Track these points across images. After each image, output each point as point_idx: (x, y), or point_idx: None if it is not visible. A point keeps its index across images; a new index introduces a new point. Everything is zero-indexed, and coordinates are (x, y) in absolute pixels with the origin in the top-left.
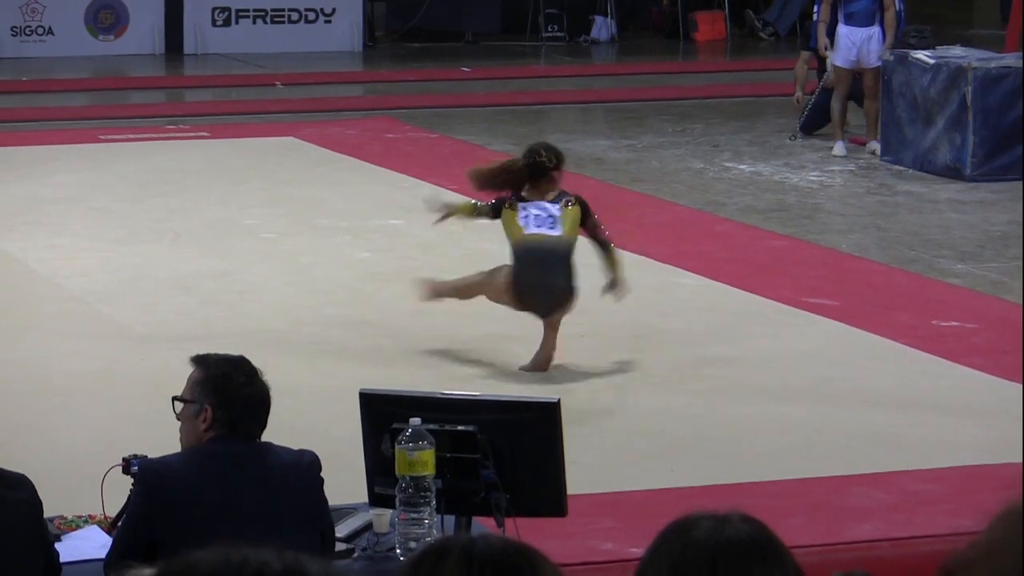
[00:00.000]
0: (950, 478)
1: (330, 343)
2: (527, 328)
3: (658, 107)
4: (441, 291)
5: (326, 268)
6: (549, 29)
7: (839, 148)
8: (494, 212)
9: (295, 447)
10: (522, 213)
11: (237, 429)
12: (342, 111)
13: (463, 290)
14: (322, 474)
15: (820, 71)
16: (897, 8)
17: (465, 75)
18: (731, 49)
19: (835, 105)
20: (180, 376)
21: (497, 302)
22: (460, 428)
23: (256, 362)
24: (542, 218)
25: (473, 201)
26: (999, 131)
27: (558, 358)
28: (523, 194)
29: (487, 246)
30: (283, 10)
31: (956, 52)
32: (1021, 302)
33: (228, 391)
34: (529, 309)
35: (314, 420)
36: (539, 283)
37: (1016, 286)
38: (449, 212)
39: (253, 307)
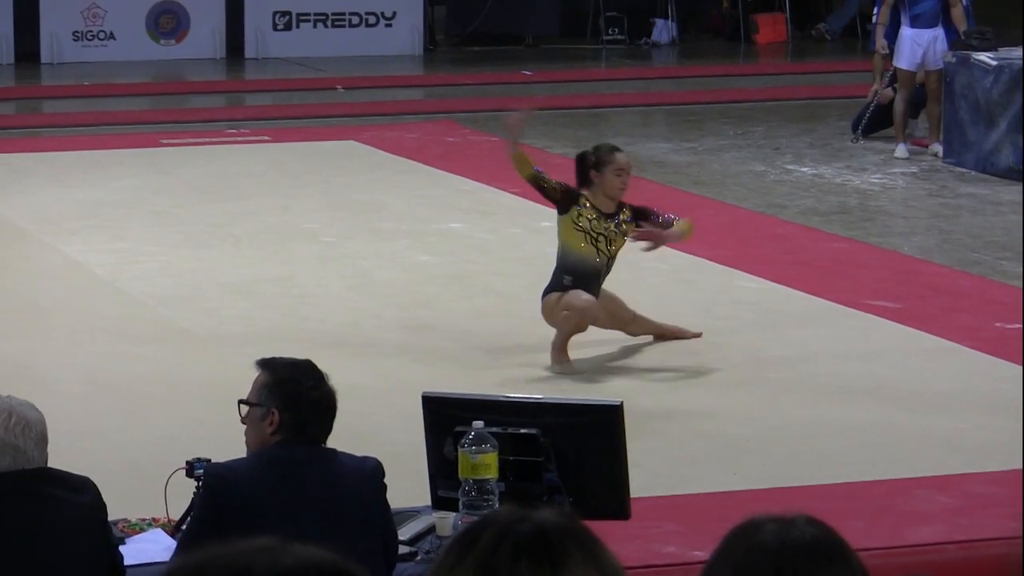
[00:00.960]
0: (1013, 481)
1: (391, 346)
2: (590, 333)
3: (719, 110)
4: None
5: (386, 272)
6: (609, 32)
7: (901, 150)
8: (565, 201)
9: (358, 451)
10: (584, 222)
11: (304, 433)
12: (402, 115)
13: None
14: (385, 479)
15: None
16: (964, 3)
17: (525, 78)
18: (792, 51)
19: (898, 107)
20: (242, 379)
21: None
22: (523, 431)
23: (321, 366)
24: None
25: (537, 169)
26: None
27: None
28: (587, 196)
29: (548, 250)
30: (343, 14)
31: (1018, 54)
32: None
33: (296, 395)
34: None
35: (377, 424)
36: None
37: None
38: (517, 150)
39: (313, 311)
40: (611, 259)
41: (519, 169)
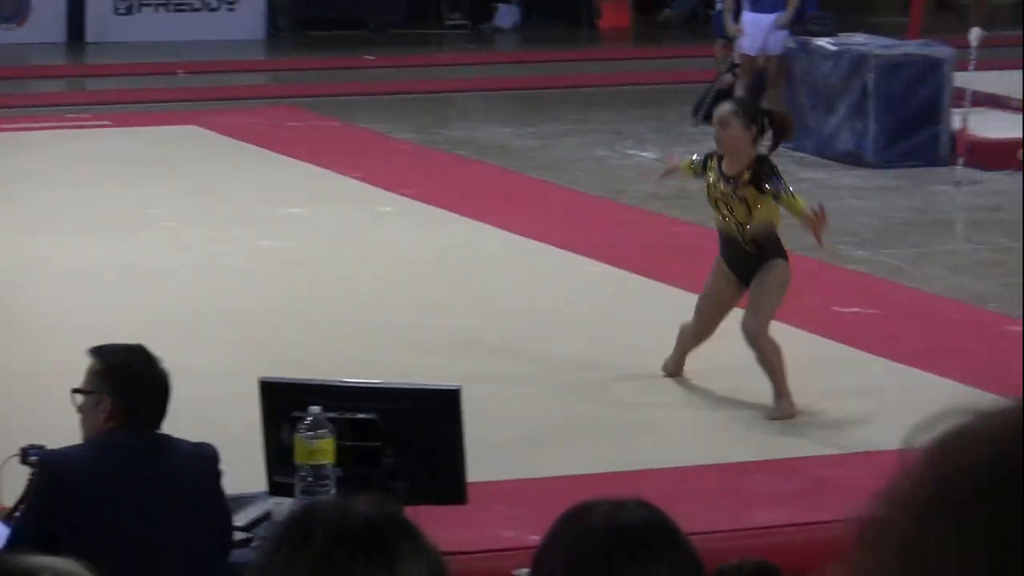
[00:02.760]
0: (853, 463)
1: (231, 331)
2: (422, 313)
3: (562, 95)
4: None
5: (228, 257)
6: (452, 17)
7: None
8: (701, 170)
9: (195, 437)
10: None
11: (138, 418)
12: (245, 99)
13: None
14: (222, 464)
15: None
16: None
17: (368, 63)
18: (635, 37)
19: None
20: (79, 367)
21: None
22: (360, 416)
23: (157, 351)
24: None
25: (691, 158)
26: (900, 118)
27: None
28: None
29: (390, 234)
30: None
31: (858, 39)
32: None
33: (127, 380)
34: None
35: (215, 409)
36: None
37: (916, 272)
38: (671, 169)
39: (153, 296)
40: (742, 226)
41: (686, 173)
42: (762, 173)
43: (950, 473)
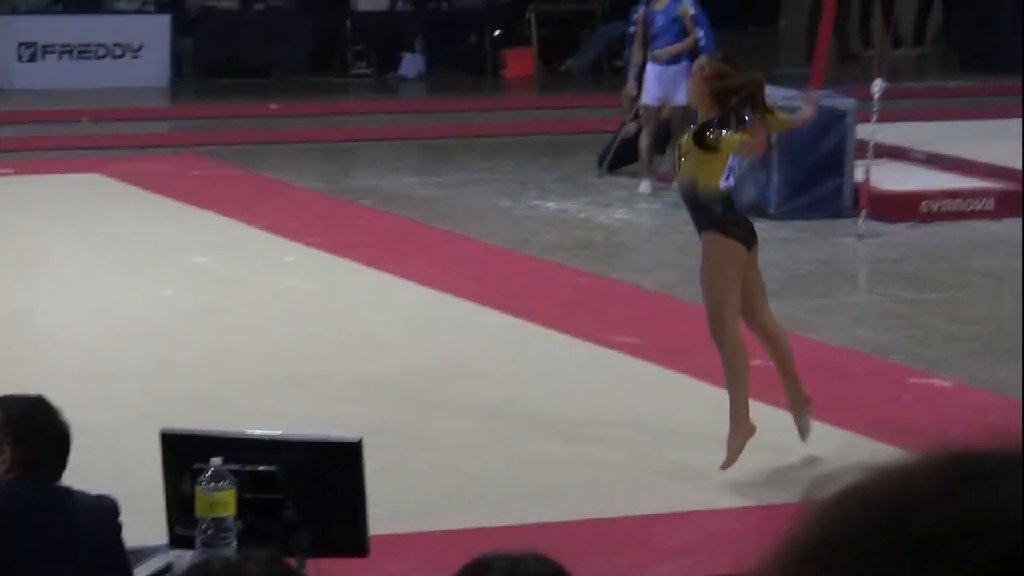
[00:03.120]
0: (755, 516)
1: (132, 381)
2: (325, 363)
3: (466, 144)
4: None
5: (130, 306)
6: (358, 65)
7: (645, 186)
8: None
9: (95, 488)
10: (731, 161)
11: (38, 469)
12: (149, 147)
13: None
14: (122, 517)
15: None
16: (701, 36)
17: (273, 111)
18: (539, 86)
19: (643, 143)
20: None
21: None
22: (261, 468)
23: (56, 402)
24: (734, 173)
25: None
26: (803, 169)
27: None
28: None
29: (293, 283)
30: (90, 45)
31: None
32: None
33: (28, 431)
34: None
35: (116, 460)
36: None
37: (819, 324)
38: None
39: (54, 345)
40: (685, 184)
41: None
42: (707, 127)
43: (834, 535)
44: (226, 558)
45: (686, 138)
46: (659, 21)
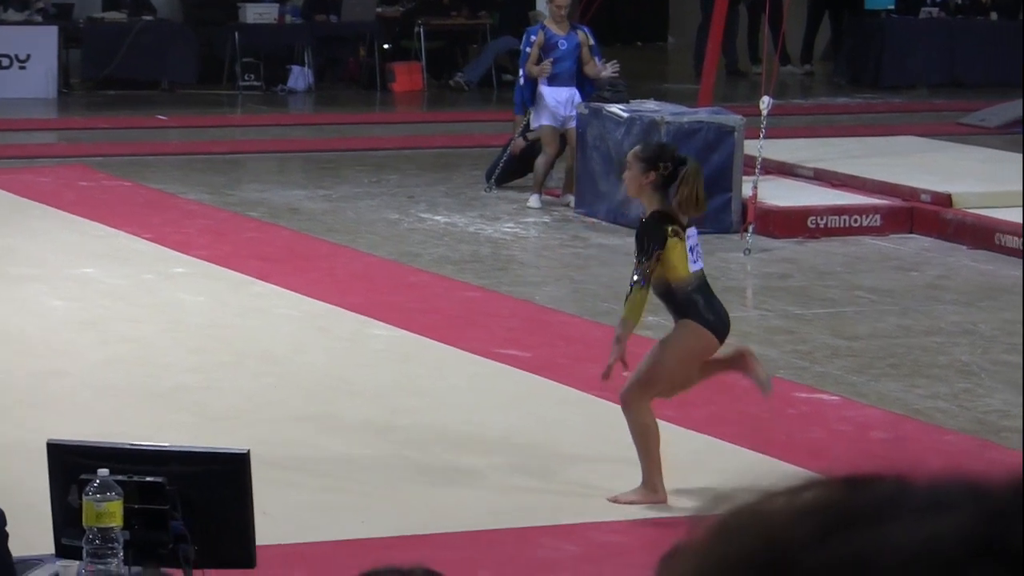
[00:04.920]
0: (641, 530)
1: (19, 393)
2: (212, 376)
3: (354, 157)
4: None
5: (17, 318)
6: (246, 78)
7: (534, 200)
8: (661, 246)
9: None
10: (689, 243)
11: None
12: (35, 158)
13: (659, 386)
14: (8, 527)
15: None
16: (596, 59)
17: (160, 123)
18: (428, 100)
19: (541, 161)
20: None
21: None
22: (148, 479)
23: None
24: (698, 251)
25: (638, 282)
26: None
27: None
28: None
29: (181, 296)
30: None
31: (650, 106)
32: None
33: None
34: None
35: (3, 469)
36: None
37: None
38: (624, 339)
39: None
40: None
41: (638, 313)
42: (643, 231)
43: (716, 561)
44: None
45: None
46: (563, 46)
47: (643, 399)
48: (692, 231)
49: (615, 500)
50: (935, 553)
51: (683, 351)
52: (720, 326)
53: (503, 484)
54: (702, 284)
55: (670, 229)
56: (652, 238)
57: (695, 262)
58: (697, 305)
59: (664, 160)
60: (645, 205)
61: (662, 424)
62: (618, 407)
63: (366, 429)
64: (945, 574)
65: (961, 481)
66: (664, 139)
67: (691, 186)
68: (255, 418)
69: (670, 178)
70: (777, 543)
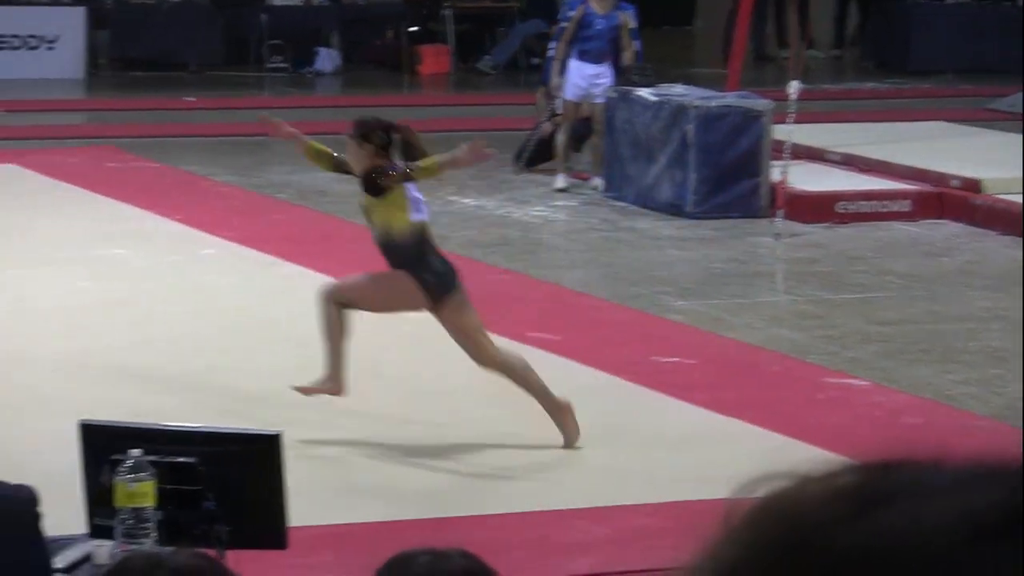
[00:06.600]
0: (670, 512)
1: (50, 372)
2: (243, 357)
3: None
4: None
5: (46, 298)
6: (273, 60)
7: (560, 180)
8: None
9: (13, 478)
10: (411, 193)
11: None
12: (64, 139)
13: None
14: (41, 507)
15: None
16: (636, 49)
17: (188, 105)
18: (455, 83)
19: (560, 138)
20: None
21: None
22: (181, 460)
23: None
24: (421, 203)
25: (334, 153)
26: (719, 169)
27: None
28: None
29: (210, 277)
30: (4, 36)
31: (678, 90)
32: None
33: None
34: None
35: (34, 450)
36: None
37: (735, 322)
38: (301, 143)
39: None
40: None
41: (318, 161)
42: (375, 175)
43: (750, 547)
44: (146, 551)
45: (361, 195)
46: (598, 25)
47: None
48: (412, 185)
49: (301, 390)
50: (971, 524)
51: (395, 291)
52: (438, 278)
53: (533, 466)
54: (422, 235)
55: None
56: (378, 171)
57: (418, 212)
58: (414, 256)
59: (376, 130)
60: (364, 169)
61: (694, 409)
62: (652, 391)
63: (395, 411)
64: (982, 542)
65: (994, 460)
66: (691, 123)
67: (414, 143)
68: (285, 399)
69: (387, 145)
70: (812, 525)
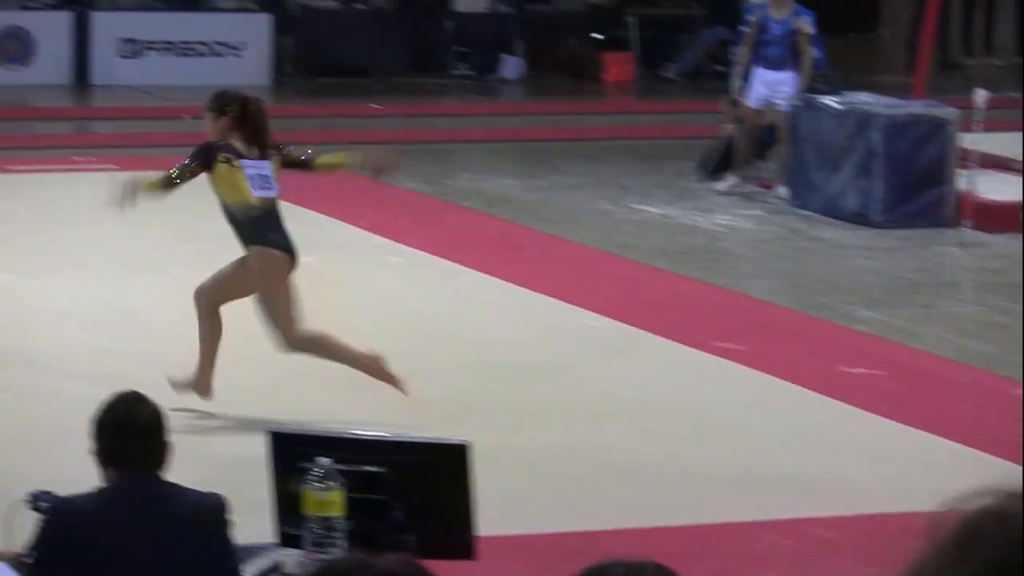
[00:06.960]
0: (857, 525)
1: (238, 379)
2: (429, 365)
3: (566, 147)
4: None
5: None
6: (458, 67)
7: (731, 180)
8: (203, 165)
9: (203, 484)
10: (249, 171)
11: (124, 461)
12: None
13: (220, 294)
14: (232, 515)
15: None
16: (816, 56)
17: (374, 112)
18: (639, 90)
19: (738, 141)
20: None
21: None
22: (369, 469)
23: (163, 399)
24: (265, 180)
25: (168, 172)
26: (906, 178)
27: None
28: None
29: (397, 284)
30: (192, 43)
31: (863, 98)
32: None
33: (102, 424)
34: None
35: (224, 457)
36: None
37: (922, 333)
38: (135, 190)
39: (158, 343)
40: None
41: (154, 191)
42: (214, 149)
43: (961, 561)
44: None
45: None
46: (775, 30)
47: (212, 299)
48: (260, 163)
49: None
50: None
51: (256, 274)
52: (288, 245)
53: (720, 477)
54: (270, 211)
55: (220, 156)
56: (195, 155)
57: (262, 189)
58: (262, 229)
59: (232, 103)
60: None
61: (882, 421)
62: (839, 402)
63: (578, 420)
64: None
65: None
66: (878, 131)
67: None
68: (466, 408)
69: (241, 119)
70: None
